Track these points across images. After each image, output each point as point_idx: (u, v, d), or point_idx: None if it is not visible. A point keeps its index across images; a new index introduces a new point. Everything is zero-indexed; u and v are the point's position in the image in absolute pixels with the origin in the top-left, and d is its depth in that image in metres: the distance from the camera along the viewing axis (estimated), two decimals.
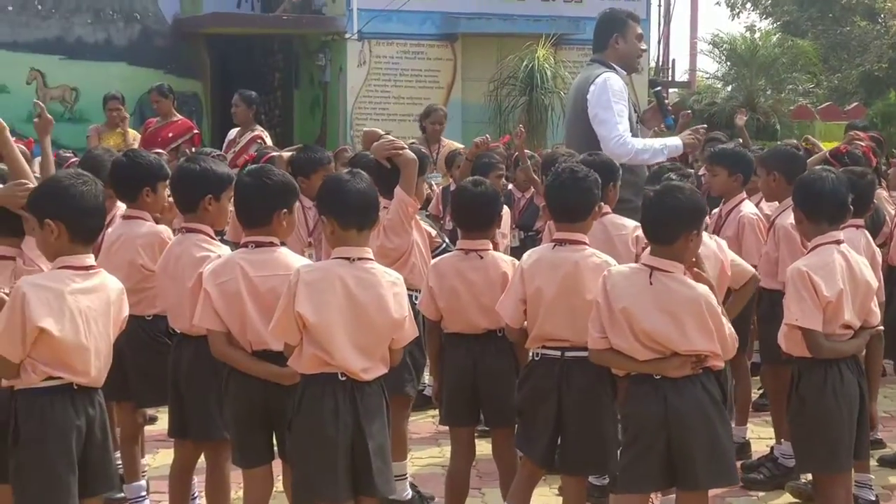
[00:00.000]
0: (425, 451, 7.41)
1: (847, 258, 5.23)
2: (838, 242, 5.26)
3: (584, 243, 5.36)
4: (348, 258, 4.80)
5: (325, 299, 4.72)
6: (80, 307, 4.54)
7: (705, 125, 8.65)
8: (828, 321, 5.13)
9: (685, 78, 28.70)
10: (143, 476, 6.43)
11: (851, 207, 5.47)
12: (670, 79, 27.49)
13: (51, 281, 4.55)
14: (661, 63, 27.27)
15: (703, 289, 4.88)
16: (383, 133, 6.55)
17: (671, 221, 4.87)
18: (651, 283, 4.83)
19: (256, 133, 11.51)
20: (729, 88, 25.97)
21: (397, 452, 6.19)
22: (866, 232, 6.41)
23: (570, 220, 5.37)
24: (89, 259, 4.67)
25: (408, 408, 6.51)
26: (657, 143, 7.70)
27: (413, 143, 7.51)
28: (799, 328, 5.12)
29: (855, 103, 26.27)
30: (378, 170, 6.20)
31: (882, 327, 5.39)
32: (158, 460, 7.11)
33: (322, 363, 4.74)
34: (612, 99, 7.59)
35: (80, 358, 4.54)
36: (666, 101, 8.20)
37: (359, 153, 7.38)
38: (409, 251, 6.35)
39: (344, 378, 4.76)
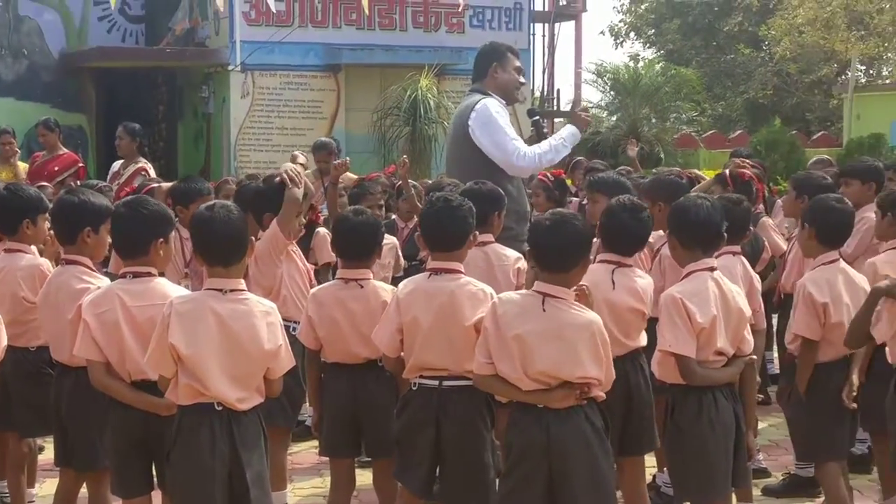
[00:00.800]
0: (307, 482, 7.35)
1: (720, 285, 5.28)
2: (712, 269, 5.30)
3: (460, 272, 5.36)
4: (220, 290, 4.78)
5: (198, 330, 4.70)
6: None
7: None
8: (701, 348, 5.16)
9: (570, 108, 28.97)
10: None
11: (725, 235, 5.52)
12: (555, 108, 27.76)
13: None
14: (545, 93, 27.54)
15: (594, 315, 4.90)
16: (300, 159, 6.54)
17: (569, 249, 4.87)
18: (544, 310, 4.82)
19: (140, 165, 11.54)
20: (614, 118, 26.30)
21: (277, 483, 6.17)
22: (743, 258, 6.47)
23: (445, 249, 5.38)
24: None
25: (286, 438, 6.49)
26: (553, 140, 7.76)
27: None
28: (672, 355, 5.16)
29: (739, 131, 26.79)
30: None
31: (755, 357, 5.43)
32: (45, 489, 6.97)
33: (197, 394, 4.72)
34: (496, 119, 7.65)
35: None
36: (545, 130, 8.24)
37: (242, 184, 7.32)
38: (280, 283, 6.34)
39: (220, 408, 4.73)
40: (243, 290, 4.85)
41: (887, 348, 5.61)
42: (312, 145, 11.61)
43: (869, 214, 7.38)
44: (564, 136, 7.88)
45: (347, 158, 7.69)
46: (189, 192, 7.12)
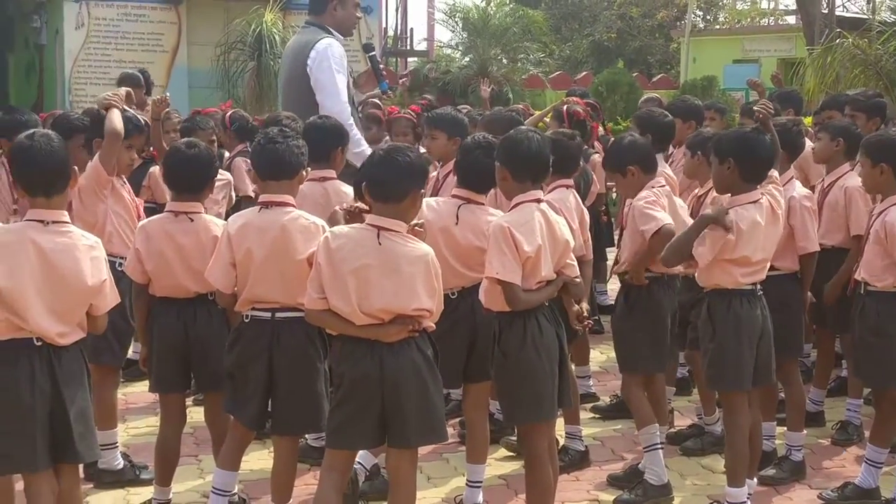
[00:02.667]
0: (142, 420, 7.27)
1: (546, 216, 5.32)
2: (538, 201, 5.34)
3: (291, 205, 5.33)
4: (42, 221, 4.66)
5: (18, 262, 4.58)
6: None
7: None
8: (526, 276, 5.21)
9: (423, 47, 28.93)
10: None
11: (550, 169, 5.57)
12: (408, 47, 27.69)
13: None
14: (399, 32, 27.45)
15: (427, 248, 4.93)
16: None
17: (401, 180, 4.87)
18: (380, 244, 4.81)
19: None
20: (467, 59, 26.30)
21: (106, 421, 6.09)
22: (574, 192, 6.55)
23: (276, 181, 5.33)
24: None
25: (115, 376, 6.40)
26: (367, 147, 7.68)
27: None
28: (499, 282, 5.19)
29: (585, 72, 27.00)
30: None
31: (578, 278, 5.51)
32: None
33: (15, 328, 4.60)
34: (334, 68, 7.59)
35: None
36: (380, 66, 8.18)
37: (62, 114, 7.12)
38: (104, 219, 6.24)
39: (40, 343, 4.62)
40: (66, 223, 4.73)
41: (697, 273, 5.86)
42: (118, 78, 11.18)
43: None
44: (365, 153, 7.72)
45: (167, 94, 7.52)
46: (14, 125, 6.87)
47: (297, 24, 17.05)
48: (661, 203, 6.30)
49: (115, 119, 6.09)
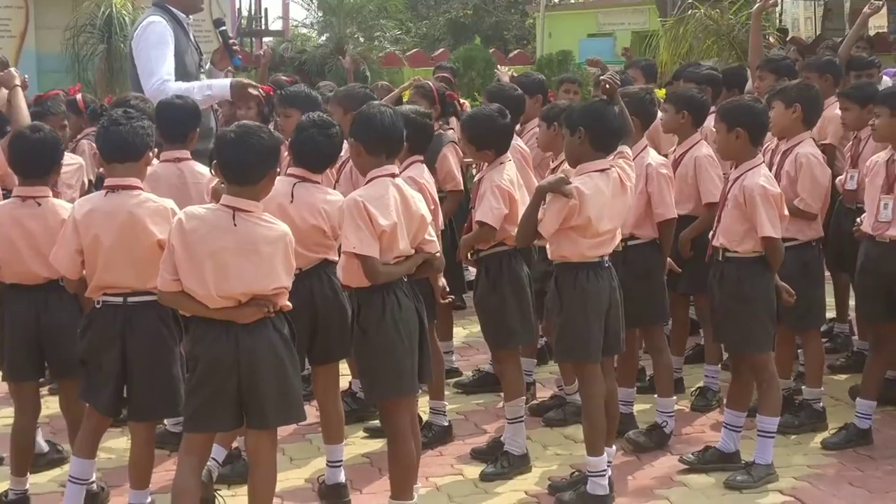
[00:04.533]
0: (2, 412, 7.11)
1: (402, 191, 5.32)
2: (393, 176, 5.34)
3: (138, 188, 5.24)
4: None
5: None
6: None
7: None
8: (384, 251, 5.20)
9: (278, 26, 28.68)
10: None
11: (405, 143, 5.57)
12: (264, 27, 27.43)
13: None
14: (253, 11, 27.18)
15: (285, 227, 4.91)
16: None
17: (256, 162, 4.83)
18: (235, 225, 4.76)
19: None
20: (323, 38, 26.16)
21: None
22: (425, 167, 6.55)
23: (121, 163, 5.24)
24: None
25: None
26: (202, 83, 7.56)
27: None
28: (357, 256, 5.17)
29: (441, 49, 27.02)
30: None
31: (439, 253, 5.52)
32: None
33: None
34: (149, 45, 7.50)
35: None
36: (231, 42, 8.07)
37: None
38: None
39: None
40: None
41: (548, 245, 5.92)
42: None
43: (536, 127, 7.71)
44: (213, 86, 7.65)
45: (26, 76, 7.33)
46: None
47: (147, 5, 16.81)
48: (507, 183, 6.32)
49: None
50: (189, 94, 7.03)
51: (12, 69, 7.04)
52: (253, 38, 26.90)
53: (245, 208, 4.81)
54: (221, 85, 7.58)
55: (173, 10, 7.74)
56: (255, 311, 4.81)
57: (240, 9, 24.35)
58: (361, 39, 24.94)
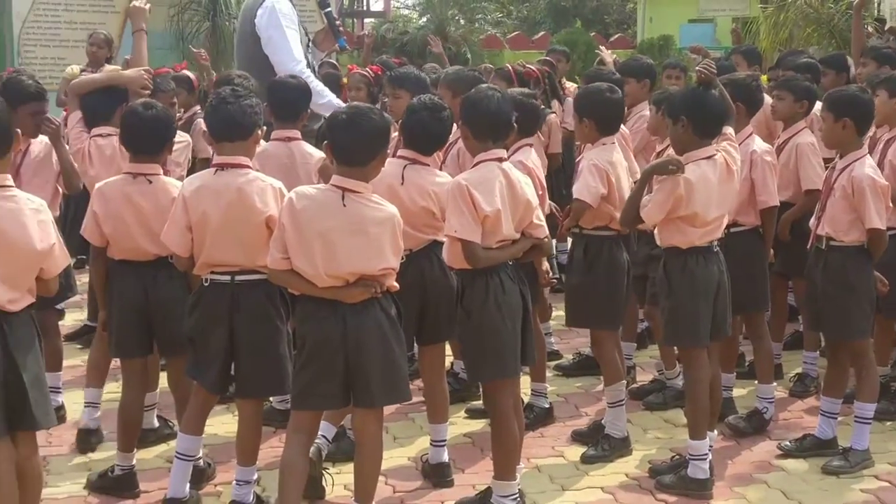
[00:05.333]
0: (106, 387, 7.20)
1: (508, 176, 5.30)
2: (500, 160, 5.33)
3: (247, 166, 5.28)
4: None
5: None
6: None
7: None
8: (486, 235, 5.20)
9: (380, 7, 28.80)
10: None
11: (515, 125, 5.55)
12: (366, 8, 27.56)
13: None
14: None
15: (393, 209, 4.93)
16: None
17: (367, 144, 4.86)
18: (345, 205, 4.79)
19: None
20: (424, 20, 26.22)
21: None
22: (533, 151, 6.54)
23: (230, 142, 5.27)
24: None
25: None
26: (331, 95, 7.61)
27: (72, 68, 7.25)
28: (458, 240, 5.18)
29: (542, 32, 26.95)
30: None
31: (546, 238, 5.51)
32: None
33: None
34: (283, 24, 7.52)
35: None
36: (337, 23, 8.12)
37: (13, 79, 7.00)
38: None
39: None
40: (11, 187, 4.62)
41: (656, 231, 5.92)
42: (89, 39, 11.07)
43: (643, 111, 7.67)
44: (333, 103, 7.67)
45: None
46: None
47: None
48: (607, 164, 6.29)
49: None
50: (325, 98, 7.13)
51: (145, 6, 7.09)
52: (354, 19, 27.02)
53: (354, 189, 4.83)
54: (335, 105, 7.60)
55: None
56: (362, 292, 4.83)
57: None
58: (462, 21, 25.00)
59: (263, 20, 7.58)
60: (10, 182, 4.63)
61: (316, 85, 7.39)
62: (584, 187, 6.24)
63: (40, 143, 6.53)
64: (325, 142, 5.01)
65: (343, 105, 7.23)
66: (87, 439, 6.39)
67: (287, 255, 4.84)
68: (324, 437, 5.77)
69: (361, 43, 12.65)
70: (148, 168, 5.64)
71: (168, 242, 5.32)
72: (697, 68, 5.99)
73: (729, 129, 5.96)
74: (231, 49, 16.32)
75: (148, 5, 7.13)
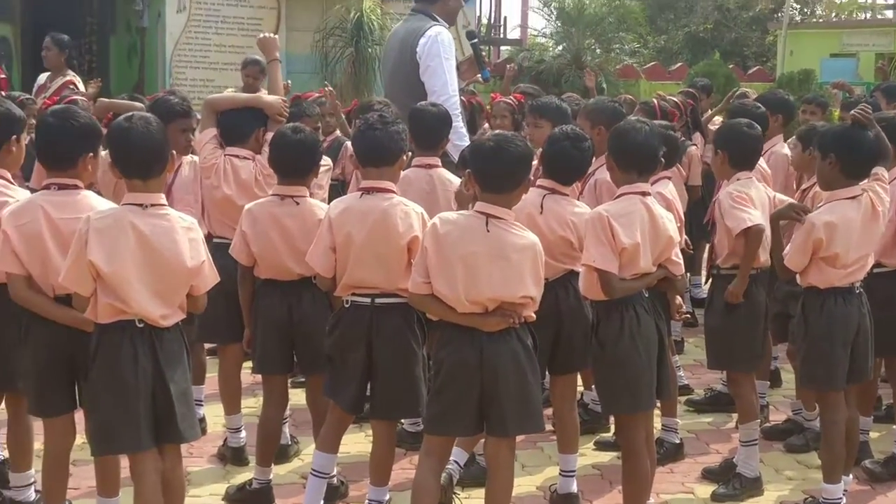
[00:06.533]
0: (243, 402, 7.34)
1: (651, 210, 5.31)
2: (644, 194, 5.34)
3: (392, 191, 5.36)
4: (140, 204, 4.67)
5: (118, 247, 4.59)
6: None
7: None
8: (623, 267, 5.22)
9: (516, 35, 28.87)
10: None
11: (662, 160, 5.57)
12: (502, 35, 27.64)
13: None
14: (492, 20, 27.41)
15: (534, 237, 4.95)
16: None
17: (510, 171, 4.88)
18: (488, 231, 4.83)
19: (68, 79, 11.27)
20: (559, 48, 26.19)
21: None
22: (671, 183, 6.54)
23: (376, 167, 5.36)
24: None
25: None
26: (467, 137, 7.70)
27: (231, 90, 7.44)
28: (595, 270, 5.20)
29: (679, 63, 26.78)
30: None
31: (682, 273, 5.50)
32: None
33: (118, 311, 4.62)
34: (444, 54, 7.63)
35: None
36: (483, 54, 8.21)
37: (161, 98, 7.21)
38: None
39: (142, 325, 4.66)
40: (164, 205, 4.75)
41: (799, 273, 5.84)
42: (242, 61, 11.37)
43: (776, 147, 7.58)
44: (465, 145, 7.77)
45: (289, 81, 7.57)
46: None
47: (396, 11, 17.14)
48: (747, 197, 6.20)
49: None
50: (463, 138, 7.29)
51: (273, 37, 7.22)
52: (491, 47, 27.15)
53: (498, 215, 4.86)
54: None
55: (440, 20, 7.89)
56: (500, 321, 4.85)
57: (479, 17, 24.57)
58: (598, 51, 24.87)
59: (426, 48, 7.67)
60: (164, 201, 4.76)
61: (458, 125, 7.48)
62: (738, 218, 6.11)
63: (189, 162, 6.71)
64: (468, 170, 5.07)
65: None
66: (239, 456, 6.53)
67: (428, 279, 4.89)
68: (455, 462, 5.82)
69: (501, 71, 12.74)
70: (295, 190, 5.74)
71: (312, 262, 5.42)
72: (854, 113, 5.87)
73: (881, 170, 5.88)
74: (372, 74, 16.64)
75: (276, 36, 7.27)
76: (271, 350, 5.79)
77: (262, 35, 7.24)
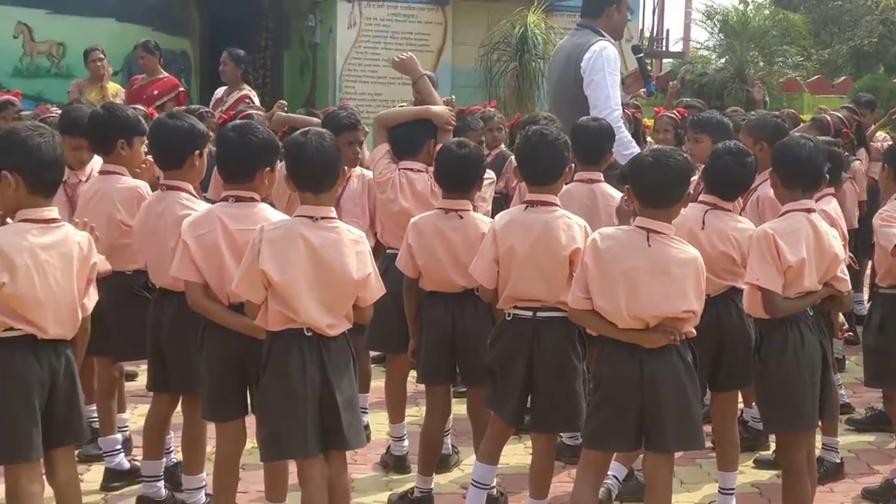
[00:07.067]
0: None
1: (816, 227, 5.28)
2: (809, 211, 5.31)
3: (555, 204, 5.41)
4: (311, 217, 4.82)
5: (289, 257, 4.74)
6: (38, 261, 4.53)
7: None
8: (787, 285, 5.20)
9: (679, 48, 28.63)
10: (125, 431, 6.51)
11: (827, 176, 5.54)
12: (664, 48, 27.43)
13: (9, 235, 4.54)
14: (655, 33, 27.21)
15: (695, 251, 4.96)
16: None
17: (670, 185, 4.91)
18: (649, 245, 4.86)
19: (244, 93, 11.58)
20: (722, 60, 25.92)
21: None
22: (835, 200, 6.48)
23: (540, 183, 5.43)
24: (50, 212, 4.66)
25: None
26: (636, 147, 7.73)
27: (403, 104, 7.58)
28: (759, 288, 5.19)
29: (843, 77, 26.28)
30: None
31: (848, 291, 5.46)
32: (136, 415, 7.18)
33: (287, 320, 4.77)
34: (608, 69, 7.66)
35: (35, 312, 4.55)
36: (648, 69, 8.22)
37: (331, 113, 7.39)
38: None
39: (310, 333, 4.80)
40: (334, 219, 4.89)
41: None
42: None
43: None
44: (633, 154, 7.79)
45: (453, 96, 7.68)
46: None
47: (560, 25, 17.14)
48: None
49: None
50: (629, 147, 7.34)
51: (407, 56, 7.36)
52: (653, 59, 26.98)
53: (659, 230, 4.88)
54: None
55: (605, 35, 7.95)
56: (661, 338, 4.87)
57: (642, 30, 24.44)
58: (762, 63, 24.55)
59: (590, 63, 7.71)
60: (334, 214, 4.90)
61: (624, 135, 7.51)
62: (888, 235, 6.07)
63: (358, 174, 6.86)
64: (627, 185, 5.11)
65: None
66: (402, 464, 6.65)
67: (588, 294, 4.92)
68: (614, 476, 5.85)
69: (663, 84, 12.70)
70: (459, 204, 5.84)
71: (476, 274, 5.50)
72: None
73: None
74: (536, 88, 16.68)
75: (409, 55, 7.41)
76: (435, 361, 5.89)
77: (395, 59, 7.40)
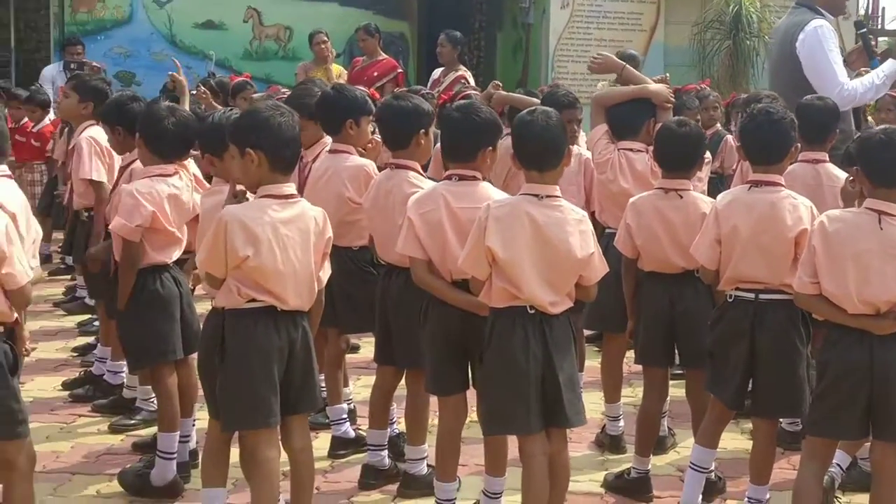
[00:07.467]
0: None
1: None
2: None
3: (780, 184, 5.30)
4: (536, 195, 4.85)
5: (514, 234, 4.78)
6: (279, 235, 4.71)
7: None
8: None
9: (895, 25, 27.77)
10: (349, 402, 6.67)
11: None
12: (880, 26, 26.65)
13: (252, 210, 4.74)
14: (870, 10, 26.46)
15: None
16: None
17: None
18: (881, 228, 4.72)
19: (460, 73, 11.80)
20: None
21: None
22: None
23: (765, 162, 5.32)
24: (289, 188, 4.83)
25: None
26: (875, 77, 7.54)
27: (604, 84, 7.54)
28: None
29: None
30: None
31: None
32: (359, 386, 7.37)
33: (511, 296, 4.81)
34: (826, 47, 7.50)
35: (277, 284, 4.73)
36: (872, 44, 8.00)
37: (549, 91, 7.39)
38: None
39: (533, 311, 4.82)
40: (558, 197, 4.90)
41: None
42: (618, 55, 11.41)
43: None
44: (887, 73, 7.61)
45: (667, 74, 7.60)
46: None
47: (775, 3, 16.75)
48: None
49: None
50: (873, 91, 7.24)
51: (604, 55, 7.36)
52: (869, 37, 26.22)
53: (892, 212, 4.73)
54: (892, 69, 7.67)
55: (823, 11, 7.77)
56: (893, 324, 4.73)
57: (857, 7, 23.76)
58: None
59: (806, 44, 7.57)
60: (558, 192, 4.92)
61: (857, 87, 7.44)
62: None
63: (576, 154, 6.85)
64: (856, 167, 4.97)
65: None
66: (617, 444, 6.65)
67: (816, 279, 4.81)
68: (838, 465, 5.70)
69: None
70: (679, 184, 5.79)
71: (697, 254, 5.43)
72: None
73: None
74: (750, 68, 16.36)
75: (605, 54, 7.42)
76: (653, 342, 5.85)
77: (591, 63, 7.35)
